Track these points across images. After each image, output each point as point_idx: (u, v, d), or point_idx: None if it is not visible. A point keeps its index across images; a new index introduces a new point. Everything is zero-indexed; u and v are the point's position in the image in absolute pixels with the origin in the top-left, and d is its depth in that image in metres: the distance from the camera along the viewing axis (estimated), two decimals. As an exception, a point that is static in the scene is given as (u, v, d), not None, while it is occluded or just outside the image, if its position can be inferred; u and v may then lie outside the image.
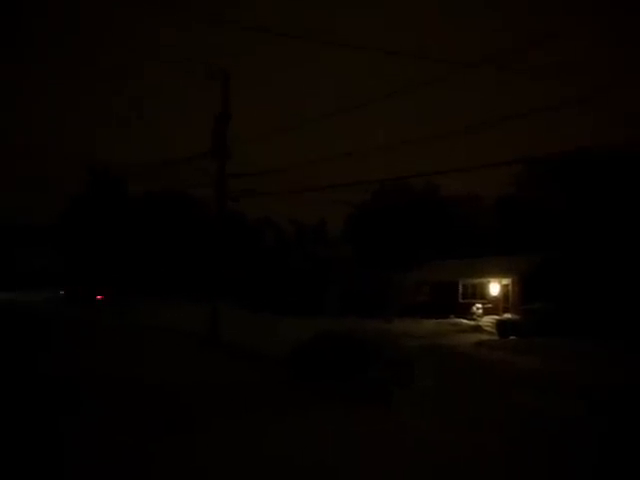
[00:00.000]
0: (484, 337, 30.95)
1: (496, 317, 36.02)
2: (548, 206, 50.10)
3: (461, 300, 43.06)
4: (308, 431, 11.45)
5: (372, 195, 63.50)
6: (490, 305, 40.27)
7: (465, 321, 38.42)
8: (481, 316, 38.89)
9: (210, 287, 26.00)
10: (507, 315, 36.15)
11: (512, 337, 30.06)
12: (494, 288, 41.12)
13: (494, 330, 32.86)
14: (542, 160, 44.86)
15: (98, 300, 48.58)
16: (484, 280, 42.04)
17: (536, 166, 50.18)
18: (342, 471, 9.28)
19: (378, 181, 67.22)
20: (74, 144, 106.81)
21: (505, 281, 40.53)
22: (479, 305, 40.44)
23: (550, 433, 11.47)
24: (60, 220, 64.74)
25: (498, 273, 40.87)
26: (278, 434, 11.17)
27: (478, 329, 34.91)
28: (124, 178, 58.39)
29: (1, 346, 21.45)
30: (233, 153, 25.93)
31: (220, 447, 10.34)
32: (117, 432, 10.81)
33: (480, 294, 42.13)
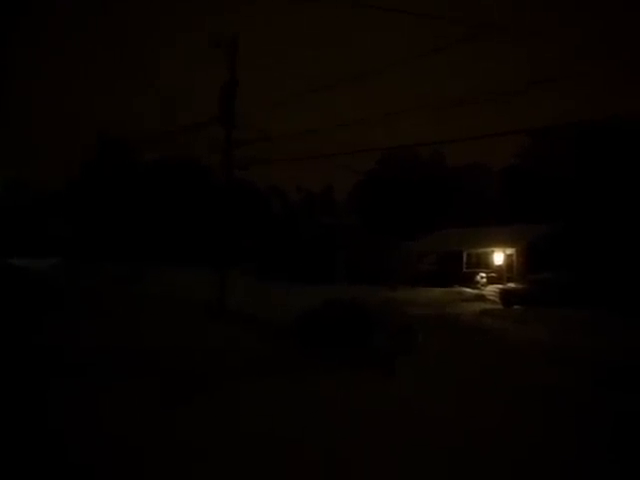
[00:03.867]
0: (488, 306, 31.20)
1: (500, 286, 36.27)
2: (554, 176, 50.16)
3: (465, 269, 43.41)
4: (311, 393, 11.84)
5: (379, 163, 63.50)
6: (494, 274, 40.60)
7: (469, 290, 38.75)
8: (485, 285, 39.24)
9: (218, 255, 26.29)
10: (511, 284, 36.41)
11: (516, 306, 30.32)
12: (498, 257, 41.41)
13: (498, 299, 33.12)
14: (548, 130, 44.84)
15: (108, 268, 48.76)
16: (488, 249, 42.33)
17: (542, 136, 50.16)
18: (343, 430, 9.61)
19: (383, 149, 67.09)
20: (85, 111, 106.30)
21: (509, 251, 40.80)
22: (483, 274, 40.76)
23: (547, 402, 11.74)
24: (69, 187, 64.66)
25: (502, 243, 41.12)
26: (283, 396, 11.58)
27: (482, 298, 35.20)
28: (135, 145, 58.48)
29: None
30: (241, 120, 26.01)
31: (228, 410, 10.74)
32: (134, 397, 11.23)
33: (484, 263, 42.46)
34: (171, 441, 8.98)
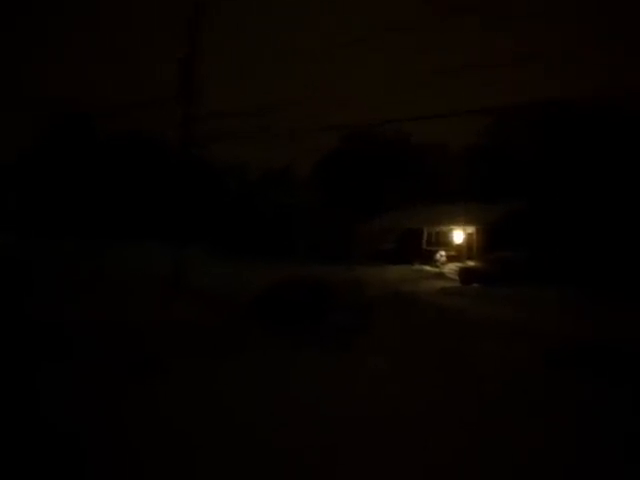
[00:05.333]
0: (447, 284, 31.43)
1: (459, 264, 36.51)
2: (515, 156, 50.54)
3: (425, 247, 43.60)
4: (267, 368, 11.83)
5: (342, 141, 63.25)
6: (454, 253, 40.83)
7: (429, 268, 38.98)
8: (445, 263, 39.46)
9: (176, 232, 25.94)
10: (470, 263, 36.67)
11: (474, 284, 30.57)
12: (458, 236, 41.66)
13: (457, 277, 33.37)
14: (511, 110, 45.04)
15: (64, 245, 47.62)
16: (449, 228, 42.53)
17: (504, 115, 50.40)
18: (297, 403, 9.64)
19: (345, 127, 66.86)
20: (37, 81, 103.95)
21: (470, 229, 41.05)
22: (443, 252, 40.97)
23: (501, 378, 11.78)
24: (20, 160, 62.26)
25: (463, 221, 41.34)
26: (241, 372, 11.55)
27: (441, 276, 35.45)
28: (90, 117, 57.34)
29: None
30: (201, 95, 25.56)
31: (189, 385, 10.65)
32: (87, 374, 10.98)
33: (444, 242, 42.69)
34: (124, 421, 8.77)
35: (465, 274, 32.71)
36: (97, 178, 56.88)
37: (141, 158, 58.29)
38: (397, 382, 11.18)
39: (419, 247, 43.60)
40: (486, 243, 38.55)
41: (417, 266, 39.54)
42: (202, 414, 9.13)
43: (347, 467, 7.29)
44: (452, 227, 42.20)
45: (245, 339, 14.74)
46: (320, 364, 12.39)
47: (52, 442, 7.68)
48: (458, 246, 41.47)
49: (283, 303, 16.71)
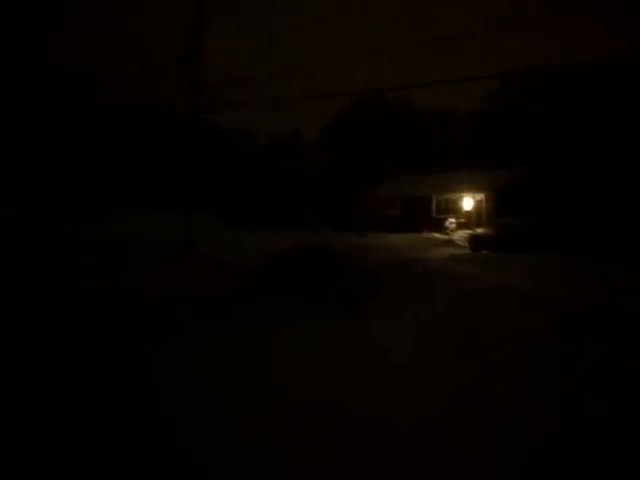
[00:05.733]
0: (456, 251, 31.32)
1: (469, 231, 36.37)
2: (523, 121, 50.11)
3: (434, 215, 43.41)
4: (281, 335, 11.79)
5: (348, 106, 62.80)
6: (463, 220, 40.65)
7: (438, 235, 38.85)
8: (454, 231, 39.30)
9: (184, 199, 25.87)
10: (479, 230, 36.50)
11: (484, 251, 30.47)
12: (467, 203, 41.43)
13: (466, 244, 33.26)
14: (517, 75, 44.59)
15: (73, 213, 47.54)
16: (458, 195, 42.30)
17: (511, 81, 49.92)
18: (309, 368, 9.64)
19: (351, 93, 66.37)
20: (40, 49, 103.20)
21: (479, 196, 40.81)
22: (452, 220, 40.80)
23: (510, 343, 11.76)
24: (21, 129, 61.69)
25: (472, 188, 41.09)
26: (253, 336, 11.63)
27: (451, 243, 35.33)
28: (93, 85, 56.94)
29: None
30: (208, 62, 25.38)
31: (200, 352, 10.68)
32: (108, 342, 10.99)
33: (453, 209, 42.48)
34: (146, 383, 8.78)
35: (474, 241, 32.59)
36: (101, 146, 56.54)
37: (147, 125, 57.91)
38: (407, 348, 11.16)
39: (428, 214, 43.41)
40: (495, 210, 38.36)
41: (426, 233, 39.42)
42: (216, 376, 9.17)
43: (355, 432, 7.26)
44: (461, 194, 41.95)
45: (255, 305, 14.73)
46: (330, 329, 12.40)
47: (61, 413, 7.63)
48: (467, 213, 41.27)
49: (292, 269, 16.62)
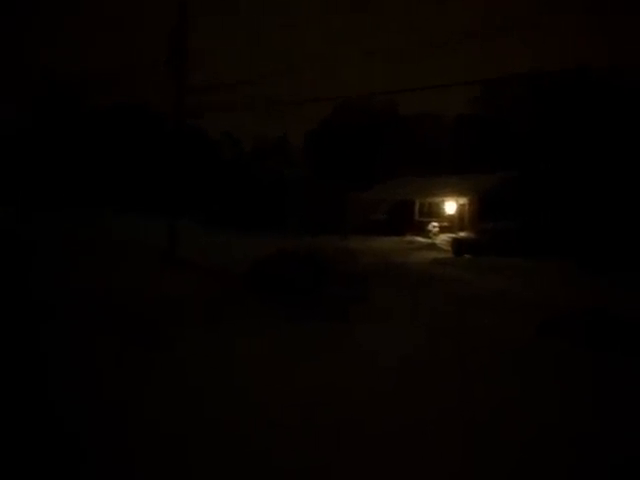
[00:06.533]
0: (439, 255, 31.52)
1: (451, 235, 36.58)
2: (507, 125, 50.51)
3: (417, 218, 43.67)
4: (267, 339, 11.89)
5: (333, 112, 63.02)
6: (446, 224, 40.90)
7: (421, 239, 39.07)
8: (437, 235, 39.52)
9: (169, 203, 25.87)
10: (462, 234, 36.73)
11: (466, 255, 30.69)
12: (450, 207, 41.70)
13: (449, 248, 33.47)
14: (502, 80, 44.98)
15: (58, 216, 47.20)
16: (441, 199, 42.56)
17: (498, 86, 50.32)
18: (298, 373, 9.72)
19: (336, 98, 66.54)
20: (27, 51, 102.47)
21: (462, 200, 41.08)
22: (435, 224, 41.05)
23: (494, 347, 11.92)
24: (7, 132, 61.32)
25: (455, 192, 41.36)
26: (237, 346, 11.51)
27: (433, 247, 35.55)
28: (80, 89, 56.78)
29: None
30: (194, 67, 25.43)
31: (191, 353, 10.81)
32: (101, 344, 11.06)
33: (437, 213, 42.75)
34: (126, 389, 8.81)
35: (457, 245, 32.78)
36: (88, 149, 56.34)
37: (134, 128, 57.76)
38: (392, 351, 11.31)
39: (411, 218, 43.66)
40: (478, 214, 38.61)
41: (409, 237, 39.63)
42: (205, 380, 9.23)
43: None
44: (444, 198, 42.22)
45: (240, 310, 14.79)
46: (316, 333, 12.52)
47: (56, 416, 7.71)
48: (450, 217, 41.53)
49: (278, 274, 16.71)
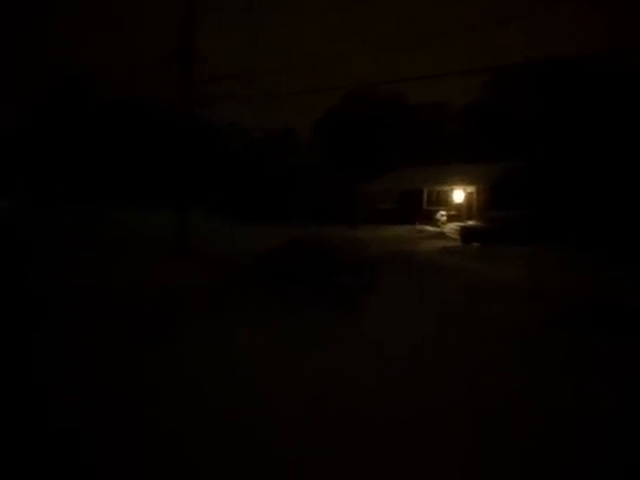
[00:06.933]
0: (448, 244, 31.47)
1: (460, 224, 36.52)
2: (516, 114, 50.22)
3: (426, 207, 43.58)
4: (277, 330, 11.93)
5: (341, 101, 62.83)
6: (455, 213, 40.83)
7: (429, 228, 39.00)
8: (445, 223, 39.46)
9: (178, 194, 25.95)
10: (470, 222, 36.66)
11: (475, 244, 30.64)
12: (458, 195, 41.62)
13: (457, 237, 33.43)
14: (511, 68, 44.71)
15: (68, 210, 47.16)
16: (449, 187, 42.47)
17: (505, 74, 50.03)
18: (304, 362, 9.74)
19: (344, 87, 66.38)
20: (35, 46, 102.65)
21: (470, 189, 41.00)
22: (443, 212, 40.99)
23: (503, 337, 11.93)
24: (18, 126, 61.43)
25: (463, 181, 41.27)
26: (249, 334, 11.62)
27: (442, 236, 35.48)
28: (89, 83, 56.79)
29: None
30: (201, 57, 25.42)
31: (197, 348, 10.79)
32: (105, 337, 11.12)
33: (445, 202, 42.66)
34: (139, 381, 8.88)
35: (465, 233, 32.73)
36: (96, 143, 56.38)
37: (141, 122, 57.74)
38: (400, 340, 11.34)
39: (420, 207, 43.59)
40: (486, 202, 38.52)
41: (418, 226, 39.58)
42: (215, 372, 9.27)
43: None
44: (452, 187, 42.14)
45: (249, 300, 14.86)
46: (324, 322, 12.56)
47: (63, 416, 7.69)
48: (458, 205, 41.47)
49: (286, 264, 16.75)
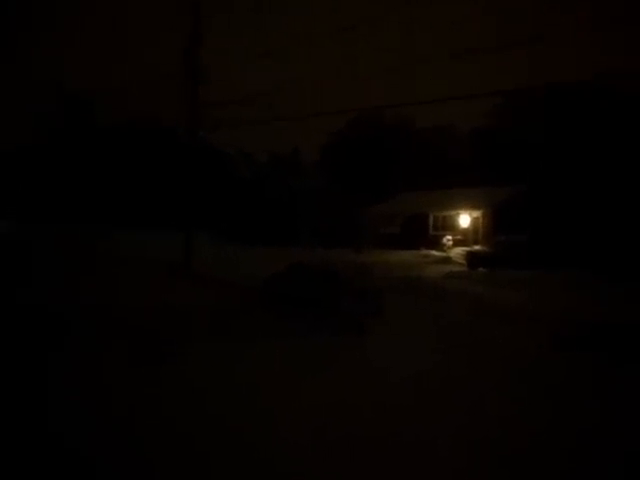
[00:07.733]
0: (454, 268, 31.38)
1: (466, 249, 36.46)
2: (523, 138, 50.37)
3: (432, 232, 43.54)
4: (282, 355, 11.85)
5: (347, 124, 63.11)
6: (460, 237, 40.78)
7: (435, 253, 38.92)
8: (451, 248, 39.39)
9: (184, 217, 26.00)
10: (476, 247, 36.62)
11: (481, 268, 30.55)
12: (464, 220, 41.59)
13: (464, 261, 33.35)
14: (518, 93, 44.91)
15: (72, 230, 47.25)
16: (455, 212, 42.45)
17: (512, 99, 50.23)
18: (309, 388, 9.68)
19: (351, 110, 66.74)
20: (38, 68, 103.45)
21: (475, 213, 40.97)
22: (449, 237, 40.93)
23: (508, 361, 11.88)
24: (20, 147, 61.51)
25: (469, 205, 41.25)
26: (254, 357, 11.62)
27: (448, 261, 35.39)
28: (92, 103, 57.23)
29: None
30: (208, 79, 25.55)
31: (198, 372, 10.69)
32: (104, 360, 11.10)
33: (451, 226, 42.61)
34: (139, 400, 8.86)
35: (471, 258, 32.67)
36: (101, 165, 56.64)
37: (147, 144, 58.04)
38: (405, 366, 11.29)
39: (425, 232, 43.56)
40: (492, 227, 38.50)
41: (424, 251, 39.52)
42: (218, 395, 9.22)
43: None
44: (458, 211, 42.13)
45: (255, 323, 14.82)
46: (330, 347, 12.51)
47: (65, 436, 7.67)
48: (464, 230, 41.42)
49: (292, 289, 16.73)
